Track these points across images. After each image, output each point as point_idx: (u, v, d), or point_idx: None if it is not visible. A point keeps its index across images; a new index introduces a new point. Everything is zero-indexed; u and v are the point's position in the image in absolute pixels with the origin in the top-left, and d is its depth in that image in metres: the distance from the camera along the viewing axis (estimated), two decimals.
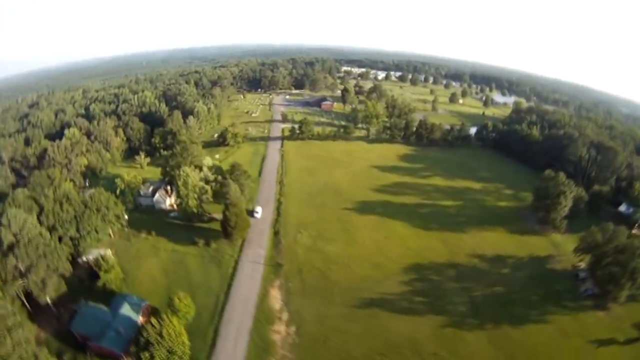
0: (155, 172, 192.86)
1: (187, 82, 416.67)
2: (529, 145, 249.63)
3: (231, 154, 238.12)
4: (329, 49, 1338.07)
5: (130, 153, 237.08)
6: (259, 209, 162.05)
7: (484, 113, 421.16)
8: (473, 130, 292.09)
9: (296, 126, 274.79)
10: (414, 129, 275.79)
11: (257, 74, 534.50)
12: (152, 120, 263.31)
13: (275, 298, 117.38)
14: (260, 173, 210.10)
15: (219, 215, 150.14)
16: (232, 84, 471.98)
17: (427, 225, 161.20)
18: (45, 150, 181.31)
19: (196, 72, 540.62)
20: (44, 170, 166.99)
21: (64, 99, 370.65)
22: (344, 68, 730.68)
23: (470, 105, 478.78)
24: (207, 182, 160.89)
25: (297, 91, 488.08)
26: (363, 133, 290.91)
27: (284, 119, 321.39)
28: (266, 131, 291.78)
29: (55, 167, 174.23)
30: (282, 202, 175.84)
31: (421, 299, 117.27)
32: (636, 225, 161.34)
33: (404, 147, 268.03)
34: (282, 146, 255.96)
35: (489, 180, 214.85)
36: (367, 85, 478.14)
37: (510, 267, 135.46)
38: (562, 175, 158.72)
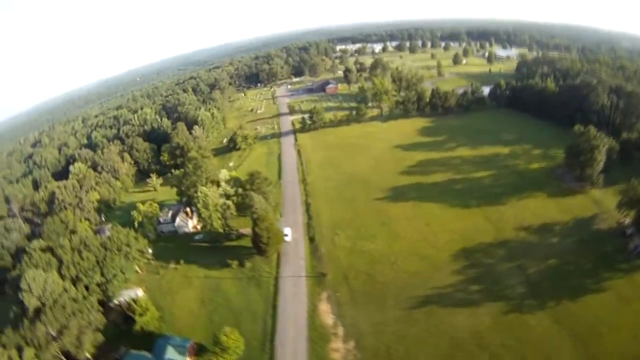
0: (170, 193, 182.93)
1: (184, 91, 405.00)
2: (546, 99, 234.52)
3: (245, 158, 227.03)
4: (318, 31, 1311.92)
5: (140, 176, 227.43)
6: (287, 230, 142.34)
7: (490, 70, 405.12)
8: (486, 91, 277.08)
9: (306, 116, 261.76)
10: (427, 99, 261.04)
11: (254, 69, 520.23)
12: (156, 137, 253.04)
13: (326, 312, 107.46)
14: (280, 175, 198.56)
15: (246, 230, 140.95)
16: (230, 83, 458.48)
17: (466, 203, 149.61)
18: (53, 193, 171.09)
19: (192, 78, 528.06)
20: (56, 215, 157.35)
21: (65, 131, 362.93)
22: (339, 47, 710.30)
23: (474, 64, 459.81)
24: (227, 197, 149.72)
25: (297, 79, 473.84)
26: (376, 112, 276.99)
27: (292, 111, 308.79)
28: (276, 127, 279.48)
29: (66, 209, 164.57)
30: (311, 203, 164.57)
31: (477, 287, 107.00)
32: None
33: (420, 120, 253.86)
34: (296, 140, 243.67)
35: (514, 142, 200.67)
36: (367, 60, 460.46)
37: (558, 234, 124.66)
38: (592, 130, 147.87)
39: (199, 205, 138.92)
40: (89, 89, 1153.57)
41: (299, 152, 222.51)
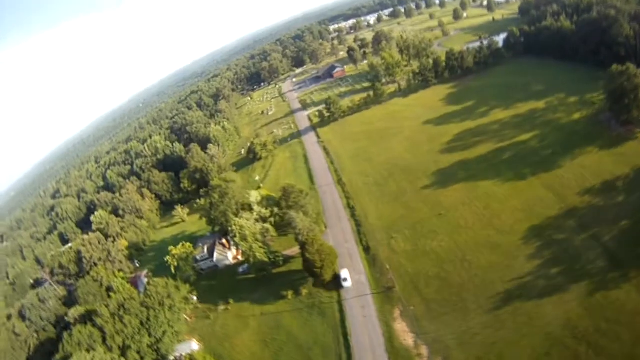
0: (200, 222, 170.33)
1: (189, 108, 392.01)
2: (565, 40, 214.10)
3: (269, 167, 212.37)
4: (305, 17, 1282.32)
5: (165, 208, 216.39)
6: (345, 273, 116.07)
7: (493, 19, 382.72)
8: (500, 42, 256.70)
9: (322, 108, 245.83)
10: (444, 64, 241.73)
11: (253, 69, 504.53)
12: (172, 164, 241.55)
13: (404, 332, 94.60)
14: (312, 179, 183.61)
15: (293, 250, 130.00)
16: (233, 90, 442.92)
17: (519, 173, 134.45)
18: (79, 252, 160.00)
19: (193, 92, 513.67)
20: (87, 275, 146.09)
21: (80, 176, 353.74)
22: (333, 27, 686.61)
23: (475, 15, 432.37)
24: (264, 220, 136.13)
25: (300, 70, 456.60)
26: (393, 88, 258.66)
27: (304, 105, 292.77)
28: (293, 126, 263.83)
29: (96, 265, 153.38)
30: (354, 205, 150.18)
31: (556, 269, 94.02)
32: None
33: (442, 88, 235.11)
34: (318, 137, 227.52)
35: (547, 93, 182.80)
36: (367, 35, 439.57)
37: (623, 191, 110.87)
38: (632, 67, 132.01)
39: (236, 239, 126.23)
40: (97, 125, 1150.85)
41: (325, 149, 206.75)
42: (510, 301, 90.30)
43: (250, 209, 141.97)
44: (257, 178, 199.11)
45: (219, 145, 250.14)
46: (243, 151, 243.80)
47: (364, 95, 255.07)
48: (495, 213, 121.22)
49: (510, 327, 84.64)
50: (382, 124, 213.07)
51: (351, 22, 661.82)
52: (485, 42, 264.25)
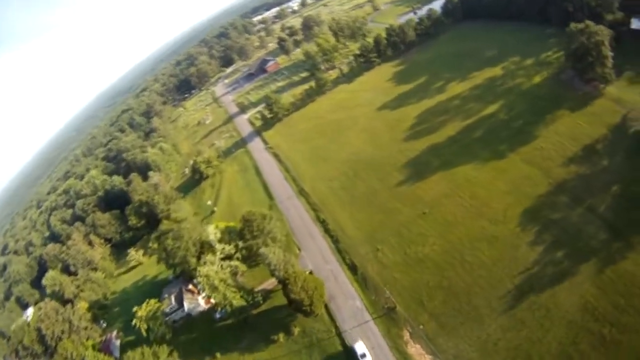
0: (160, 266, 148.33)
1: (122, 131, 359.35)
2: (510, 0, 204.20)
3: (219, 186, 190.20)
4: (227, 11, 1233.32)
5: (118, 251, 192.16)
6: (361, 347, 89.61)
7: None
8: (438, 9, 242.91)
9: (262, 109, 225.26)
10: (385, 41, 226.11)
11: (181, 76, 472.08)
12: (115, 200, 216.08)
13: (421, 355, 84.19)
14: (269, 194, 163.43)
15: (269, 283, 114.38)
16: (164, 102, 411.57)
17: (496, 151, 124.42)
18: (39, 329, 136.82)
19: (124, 111, 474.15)
20: (56, 354, 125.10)
21: (25, 226, 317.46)
22: (256, 19, 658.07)
23: None
24: (229, 257, 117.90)
25: (230, 69, 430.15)
26: (334, 75, 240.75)
27: (242, 108, 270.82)
28: (235, 133, 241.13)
29: (61, 339, 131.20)
30: (324, 218, 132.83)
31: (561, 252, 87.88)
32: None
33: (387, 67, 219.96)
34: (265, 142, 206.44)
35: (500, 58, 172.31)
36: (294, 22, 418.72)
37: (605, 154, 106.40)
38: (591, 25, 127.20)
39: (206, 292, 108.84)
40: (34, 163, 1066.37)
41: (275, 155, 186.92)
42: (524, 297, 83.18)
43: (211, 247, 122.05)
44: (209, 202, 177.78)
45: (160, 170, 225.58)
46: (187, 170, 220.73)
47: (305, 86, 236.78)
48: (484, 201, 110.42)
49: (530, 324, 78.39)
50: (332, 116, 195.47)
51: (275, 10, 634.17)
52: (419, 12, 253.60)
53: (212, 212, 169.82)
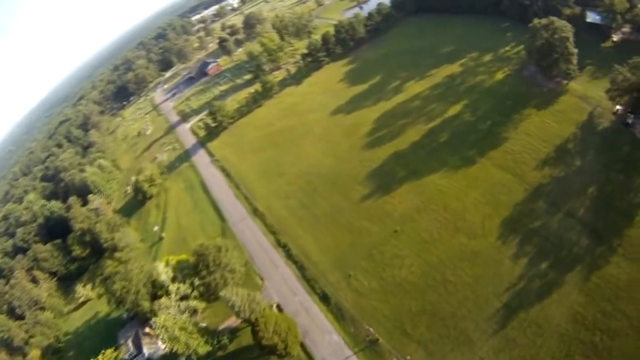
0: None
1: (59, 146, 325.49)
2: None
3: (165, 208, 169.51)
4: (165, 11, 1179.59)
5: (65, 285, 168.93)
6: None
7: None
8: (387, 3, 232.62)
9: (206, 117, 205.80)
10: (334, 38, 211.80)
11: (119, 82, 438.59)
12: (56, 226, 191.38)
13: None
14: (220, 215, 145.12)
15: (233, 321, 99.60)
16: (102, 112, 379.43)
17: (466, 157, 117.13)
18: None
19: (61, 123, 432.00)
20: None
21: None
22: (195, 18, 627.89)
23: None
24: (186, 297, 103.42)
25: (169, 73, 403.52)
26: (281, 75, 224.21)
27: (184, 116, 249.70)
28: (177, 145, 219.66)
29: None
30: (285, 242, 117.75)
31: (545, 264, 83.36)
32: (612, 31, 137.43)
33: (337, 66, 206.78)
34: (211, 155, 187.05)
35: (458, 54, 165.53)
36: (235, 20, 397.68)
37: (577, 154, 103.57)
38: (556, 20, 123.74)
39: (166, 344, 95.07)
40: None
41: (223, 170, 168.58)
42: (513, 314, 78.09)
43: (164, 288, 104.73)
44: (155, 228, 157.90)
45: (100, 191, 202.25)
46: (129, 189, 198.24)
47: (250, 90, 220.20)
48: (459, 214, 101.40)
49: (522, 342, 73.78)
50: (283, 122, 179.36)
51: (214, 9, 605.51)
52: (365, 6, 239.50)
53: (161, 238, 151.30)
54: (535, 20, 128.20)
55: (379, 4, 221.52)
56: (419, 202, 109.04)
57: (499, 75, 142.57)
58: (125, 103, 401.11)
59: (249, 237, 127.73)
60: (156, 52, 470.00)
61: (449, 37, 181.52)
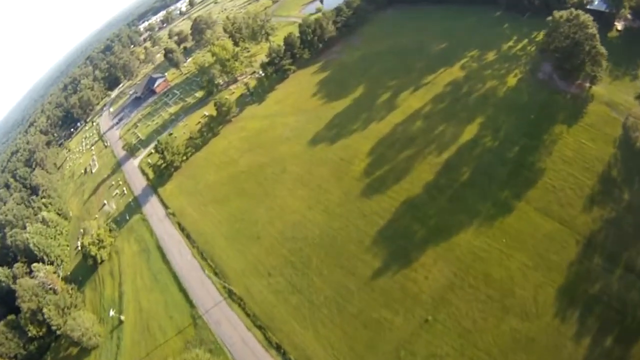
0: None
1: (7, 186, 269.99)
2: None
3: (120, 277, 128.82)
4: (116, 19, 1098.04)
5: None
6: None
7: None
8: None
9: (154, 158, 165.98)
10: (299, 41, 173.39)
11: (66, 105, 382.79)
12: (6, 298, 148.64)
13: None
14: (188, 299, 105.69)
15: None
16: (48, 143, 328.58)
17: (499, 201, 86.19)
18: None
19: (13, 153, 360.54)
20: None
21: None
22: (143, 26, 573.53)
23: None
24: None
25: (115, 93, 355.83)
26: (239, 91, 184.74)
27: (131, 150, 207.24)
28: (126, 189, 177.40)
29: None
30: (280, 342, 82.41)
31: (611, 338, 61.82)
32: (616, 19, 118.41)
33: (306, 75, 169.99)
34: (164, 205, 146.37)
35: (454, 53, 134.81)
36: (184, 26, 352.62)
37: (624, 184, 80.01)
38: (580, 13, 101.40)
39: None
40: None
41: (182, 229, 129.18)
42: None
43: None
44: (112, 313, 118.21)
45: (46, 255, 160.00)
46: (79, 244, 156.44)
47: (204, 110, 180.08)
48: (505, 288, 72.89)
49: None
50: (248, 159, 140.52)
51: (161, 14, 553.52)
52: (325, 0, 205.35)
53: (121, 321, 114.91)
54: (556, 14, 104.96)
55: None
56: (451, 275, 77.01)
57: (511, 80, 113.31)
58: (72, 130, 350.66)
59: (228, 331, 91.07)
60: (102, 68, 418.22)
61: (436, 32, 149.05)
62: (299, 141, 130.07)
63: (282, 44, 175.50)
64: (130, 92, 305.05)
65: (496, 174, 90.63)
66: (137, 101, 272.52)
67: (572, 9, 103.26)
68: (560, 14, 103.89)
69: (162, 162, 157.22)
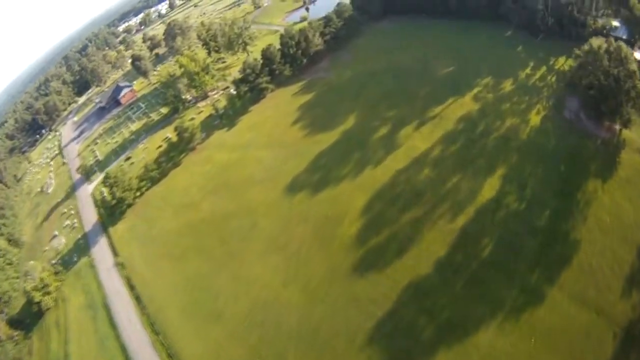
0: None
1: None
2: None
3: (66, 334, 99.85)
4: (101, 20, 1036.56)
5: None
6: None
7: None
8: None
9: (104, 191, 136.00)
10: (279, 54, 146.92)
11: (33, 109, 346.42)
12: None
13: None
14: None
15: None
16: (12, 150, 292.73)
17: (528, 286, 63.74)
18: None
19: None
20: None
21: None
22: (122, 27, 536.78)
23: None
24: None
25: (83, 99, 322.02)
26: (208, 110, 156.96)
27: (88, 173, 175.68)
28: (77, 221, 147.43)
29: None
30: None
31: None
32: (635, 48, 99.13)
33: (287, 96, 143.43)
34: (114, 251, 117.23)
35: (465, 79, 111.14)
36: (160, 30, 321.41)
37: None
38: (623, 46, 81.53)
39: None
40: None
41: (131, 287, 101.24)
42: None
43: None
44: None
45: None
46: (27, 284, 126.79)
47: (167, 131, 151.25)
48: None
49: None
50: (211, 204, 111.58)
51: (141, 16, 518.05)
52: (312, 8, 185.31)
53: None
54: (594, 42, 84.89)
55: (339, 4, 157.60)
56: None
57: (535, 118, 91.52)
58: (37, 137, 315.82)
59: None
60: (74, 70, 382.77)
61: (440, 51, 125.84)
62: (275, 185, 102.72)
63: (259, 57, 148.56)
64: (96, 101, 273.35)
65: (524, 248, 67.33)
66: (101, 112, 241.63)
67: (612, 39, 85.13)
68: (598, 44, 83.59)
69: (112, 198, 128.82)
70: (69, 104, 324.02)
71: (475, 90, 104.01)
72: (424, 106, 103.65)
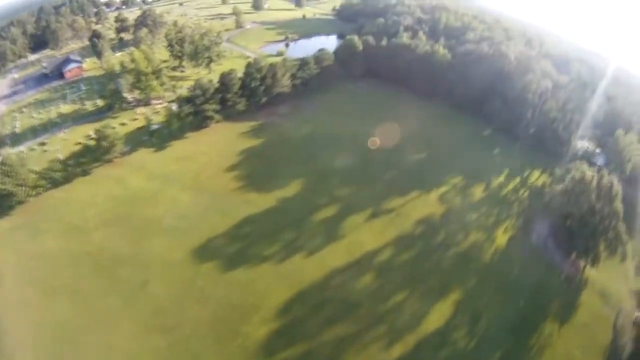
0: None
1: None
2: (437, 73, 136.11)
3: None
4: None
5: None
6: None
7: (304, 16, 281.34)
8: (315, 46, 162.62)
9: None
10: (239, 83, 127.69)
11: None
12: None
13: None
14: None
15: None
16: None
17: None
18: None
19: None
20: None
21: None
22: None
23: (280, 8, 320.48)
24: None
25: (35, 57, 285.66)
26: (141, 121, 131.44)
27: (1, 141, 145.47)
28: None
29: None
30: None
31: None
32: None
33: (233, 134, 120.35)
34: None
35: (434, 172, 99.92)
36: (134, 15, 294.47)
37: None
38: (614, 183, 75.80)
39: None
40: None
41: None
42: None
43: None
44: None
45: None
46: None
47: (96, 125, 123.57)
48: None
49: None
50: (105, 237, 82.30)
51: None
52: (292, 47, 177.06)
53: None
54: (586, 171, 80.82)
55: (321, 50, 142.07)
56: None
57: (501, 238, 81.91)
58: None
59: None
60: (40, 24, 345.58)
61: (414, 133, 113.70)
62: (183, 242, 79.38)
63: (215, 79, 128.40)
64: (43, 65, 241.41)
65: None
66: (42, 78, 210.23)
67: (604, 172, 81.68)
68: (590, 175, 77.92)
69: (2, 186, 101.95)
70: (19, 57, 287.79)
71: (442, 189, 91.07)
72: (383, 194, 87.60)
